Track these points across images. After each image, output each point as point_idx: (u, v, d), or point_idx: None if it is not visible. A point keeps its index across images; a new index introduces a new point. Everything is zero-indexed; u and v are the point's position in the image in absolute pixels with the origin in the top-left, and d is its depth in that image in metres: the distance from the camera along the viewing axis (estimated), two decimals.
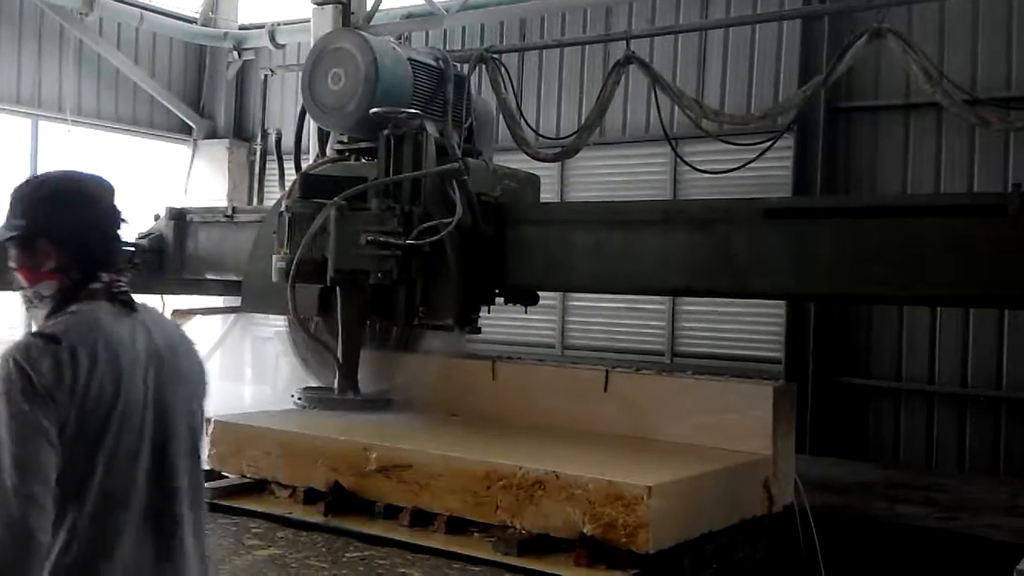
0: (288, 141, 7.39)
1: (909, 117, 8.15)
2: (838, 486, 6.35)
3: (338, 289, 5.51)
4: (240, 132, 12.43)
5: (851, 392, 8.30)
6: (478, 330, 5.79)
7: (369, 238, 5.19)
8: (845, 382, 8.32)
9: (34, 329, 2.11)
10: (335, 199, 5.21)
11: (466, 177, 5.54)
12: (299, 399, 5.63)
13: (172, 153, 12.40)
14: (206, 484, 4.66)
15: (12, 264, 2.16)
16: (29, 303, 2.18)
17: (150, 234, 7.79)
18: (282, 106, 11.45)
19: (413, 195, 5.51)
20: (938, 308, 7.87)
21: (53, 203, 2.18)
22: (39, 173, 2.33)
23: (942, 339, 7.99)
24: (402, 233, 5.28)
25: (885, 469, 7.48)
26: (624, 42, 7.61)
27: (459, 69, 6.33)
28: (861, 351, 8.33)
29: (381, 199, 5.38)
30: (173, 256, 7.70)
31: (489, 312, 5.94)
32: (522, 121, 6.68)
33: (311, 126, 7.42)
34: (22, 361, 1.95)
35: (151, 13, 11.59)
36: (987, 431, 7.81)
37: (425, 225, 5.34)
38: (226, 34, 12.20)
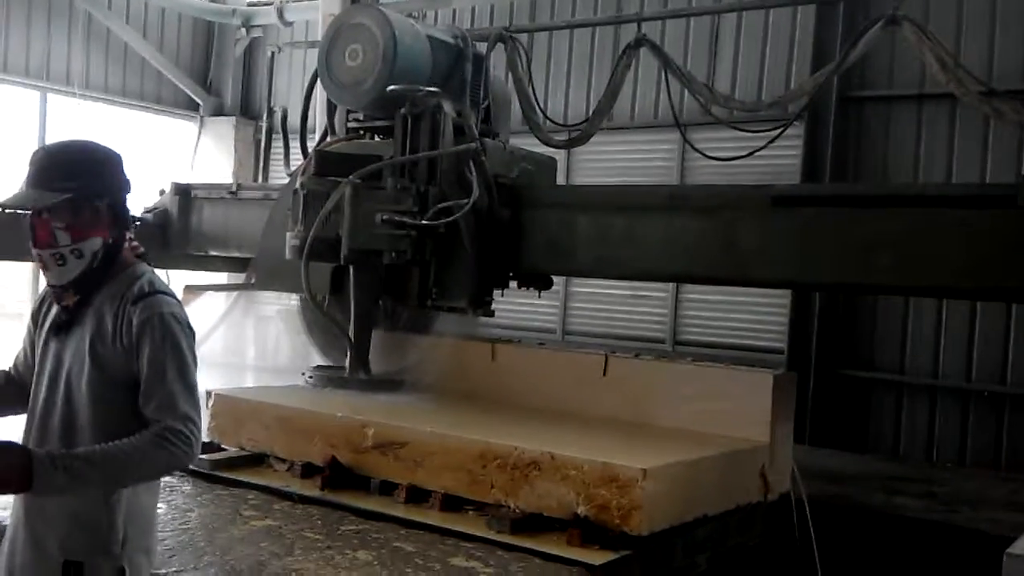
0: (294, 119, 7.36)
1: (922, 108, 8.09)
2: (836, 476, 6.32)
3: (351, 268, 5.47)
4: (247, 110, 12.41)
5: (853, 384, 8.27)
6: (491, 313, 5.73)
7: (384, 217, 5.12)
8: (848, 374, 8.28)
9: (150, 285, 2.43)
10: (350, 177, 5.16)
11: (483, 158, 5.46)
12: (310, 377, 5.60)
13: (178, 129, 12.40)
14: (204, 456, 4.71)
15: (59, 224, 2.35)
16: (60, 261, 2.37)
17: (155, 209, 7.79)
18: (289, 84, 11.42)
19: (429, 175, 5.42)
20: (944, 301, 7.83)
21: (105, 167, 2.45)
22: (60, 141, 2.51)
23: (947, 333, 7.95)
24: (417, 213, 5.20)
25: (885, 462, 7.45)
26: (635, 25, 7.56)
27: (477, 48, 6.26)
28: (865, 343, 8.30)
29: (397, 178, 5.29)
30: (177, 231, 7.69)
31: (503, 295, 5.90)
32: (535, 104, 6.60)
33: (317, 104, 7.39)
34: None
35: None
36: (990, 426, 7.78)
37: (441, 206, 5.24)
38: (235, 11, 12.18)
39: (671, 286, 8.93)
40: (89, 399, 2.39)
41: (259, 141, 11.64)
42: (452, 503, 4.21)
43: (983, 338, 7.80)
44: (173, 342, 2.37)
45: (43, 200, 2.34)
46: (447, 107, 5.56)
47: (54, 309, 2.51)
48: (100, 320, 2.40)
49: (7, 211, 2.56)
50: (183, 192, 7.73)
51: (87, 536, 2.39)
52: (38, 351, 2.52)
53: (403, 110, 5.50)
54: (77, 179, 2.36)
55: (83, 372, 2.39)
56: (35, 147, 2.54)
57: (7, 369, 2.65)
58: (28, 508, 2.42)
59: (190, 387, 2.39)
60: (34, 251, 2.41)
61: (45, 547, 2.39)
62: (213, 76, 12.52)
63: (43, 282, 2.58)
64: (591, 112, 6.78)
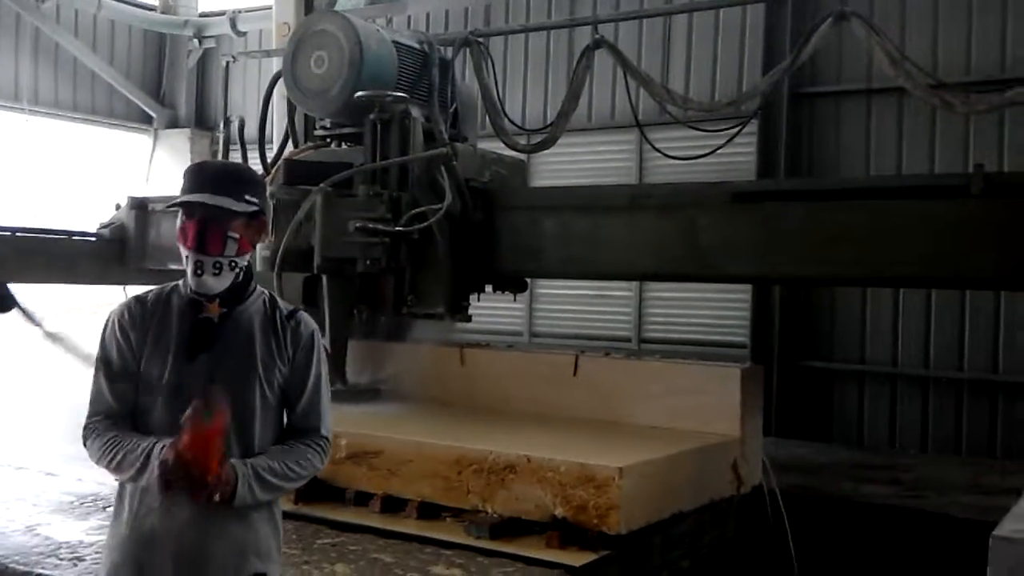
0: (251, 129, 7.29)
1: (871, 102, 8.24)
2: (804, 467, 6.41)
3: (324, 278, 5.42)
4: (202, 121, 12.27)
5: (815, 375, 8.40)
6: (469, 318, 5.72)
7: (357, 225, 5.08)
8: (810, 366, 8.41)
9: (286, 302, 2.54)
10: (321, 185, 5.11)
11: (455, 162, 5.45)
12: None
13: (132, 143, 12.21)
14: None
15: (233, 234, 2.37)
16: (217, 270, 2.37)
17: (112, 224, 7.66)
18: (244, 94, 11.31)
19: (400, 181, 5.40)
20: (900, 291, 7.98)
21: (267, 190, 2.54)
22: (219, 160, 2.54)
23: (904, 322, 8.10)
24: (390, 220, 5.17)
25: (850, 450, 7.57)
26: (588, 28, 7.58)
27: (442, 53, 6.26)
28: (825, 335, 8.43)
29: (368, 185, 5.27)
30: (135, 246, 7.57)
31: (479, 299, 5.88)
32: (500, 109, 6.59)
33: (274, 113, 7.32)
34: None
35: (109, 0, 11.40)
36: (949, 412, 7.94)
37: (414, 212, 5.23)
38: (186, 21, 12.04)
39: (635, 285, 8.99)
40: (257, 410, 2.41)
41: (216, 152, 11.52)
42: (429, 511, 4.20)
43: (939, 326, 7.97)
44: (326, 360, 2.55)
45: (239, 207, 2.37)
46: (415, 112, 5.54)
47: (175, 323, 2.41)
48: (254, 334, 2.42)
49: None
50: (140, 206, 7.60)
51: (268, 547, 2.43)
52: (157, 369, 2.38)
53: (372, 116, 5.46)
54: (259, 196, 2.44)
55: (248, 384, 2.39)
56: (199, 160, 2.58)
57: (111, 421, 2.41)
58: (202, 529, 2.33)
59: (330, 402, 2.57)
60: (193, 255, 2.36)
61: (229, 565, 2.36)
62: (166, 88, 12.36)
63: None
64: (553, 115, 6.80)
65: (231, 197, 2.37)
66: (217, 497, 2.24)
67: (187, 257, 2.37)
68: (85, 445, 2.41)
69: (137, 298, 2.47)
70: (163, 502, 2.32)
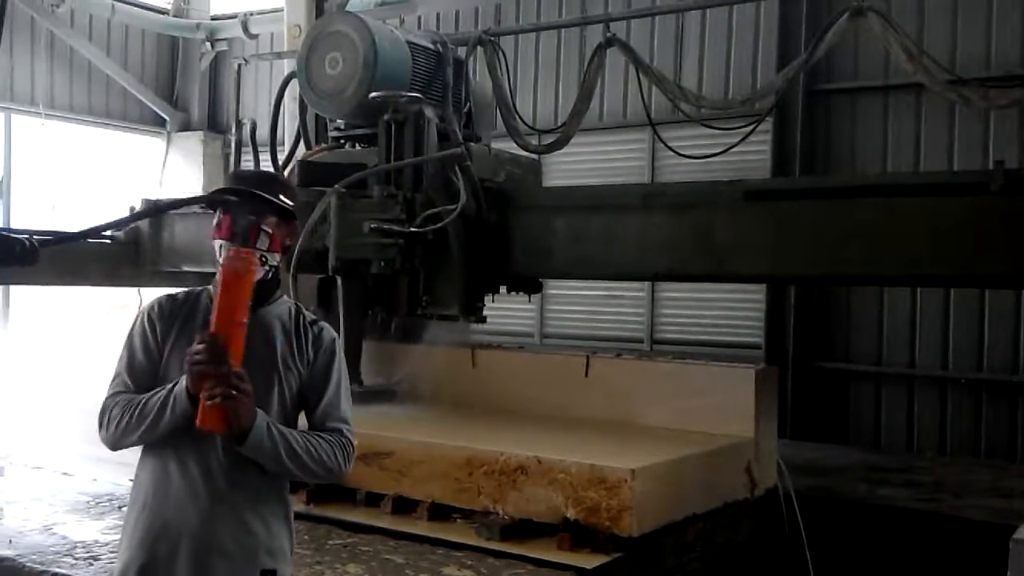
0: (263, 131, 7.30)
1: (888, 98, 8.15)
2: (820, 469, 6.34)
3: (338, 279, 5.40)
4: (214, 124, 12.30)
5: (831, 377, 8.31)
6: (483, 319, 5.69)
7: (372, 226, 5.06)
8: (825, 367, 8.32)
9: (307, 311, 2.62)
10: (336, 186, 5.10)
11: (469, 162, 5.42)
12: None
13: (146, 146, 12.26)
14: None
15: (267, 228, 2.48)
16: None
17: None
18: (256, 97, 11.33)
19: (415, 182, 5.38)
20: (918, 291, 7.88)
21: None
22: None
23: (922, 322, 8.00)
24: (405, 221, 5.15)
25: (866, 453, 7.49)
26: (600, 26, 7.54)
27: (456, 52, 6.23)
28: (841, 336, 8.34)
29: (382, 186, 5.25)
30: (149, 248, 7.57)
31: (493, 300, 5.85)
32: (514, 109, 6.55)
33: (286, 115, 7.31)
34: None
35: (123, 4, 11.47)
36: (968, 414, 7.83)
37: (428, 212, 5.21)
38: (199, 25, 12.09)
39: (647, 285, 8.93)
40: (274, 407, 2.45)
41: (228, 155, 11.54)
42: (440, 512, 4.18)
43: (957, 326, 7.86)
44: (346, 366, 2.63)
45: (274, 200, 2.49)
46: (429, 112, 5.52)
47: (200, 316, 2.49)
48: (276, 333, 2.51)
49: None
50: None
51: (281, 546, 2.48)
52: (178, 358, 2.44)
53: (386, 116, 5.45)
54: (292, 200, 2.58)
55: (267, 380, 2.45)
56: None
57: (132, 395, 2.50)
58: (216, 521, 2.37)
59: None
60: (226, 245, 2.45)
61: (241, 560, 2.40)
62: (179, 91, 12.40)
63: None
64: (564, 114, 6.77)
65: (270, 194, 2.51)
66: (232, 427, 2.26)
67: (220, 247, 2.47)
68: (102, 425, 2.44)
69: (169, 295, 2.59)
70: (177, 492, 2.37)
